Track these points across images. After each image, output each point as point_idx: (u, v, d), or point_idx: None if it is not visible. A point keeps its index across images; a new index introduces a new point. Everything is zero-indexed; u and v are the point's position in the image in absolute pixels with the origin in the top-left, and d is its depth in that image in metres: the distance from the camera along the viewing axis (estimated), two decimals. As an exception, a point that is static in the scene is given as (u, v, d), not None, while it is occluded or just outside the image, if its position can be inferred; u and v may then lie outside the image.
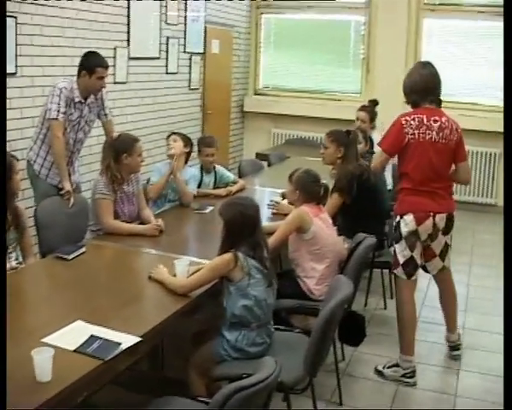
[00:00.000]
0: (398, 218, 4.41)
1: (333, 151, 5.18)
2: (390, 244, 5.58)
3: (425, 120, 4.26)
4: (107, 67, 5.18)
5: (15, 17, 5.52)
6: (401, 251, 4.40)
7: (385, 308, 5.67)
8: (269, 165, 7.91)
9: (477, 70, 9.24)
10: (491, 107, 8.91)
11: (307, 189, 4.25)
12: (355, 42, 10.12)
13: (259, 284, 3.38)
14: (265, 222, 4.01)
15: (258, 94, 10.85)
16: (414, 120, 4.27)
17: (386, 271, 5.70)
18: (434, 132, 4.25)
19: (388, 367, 4.50)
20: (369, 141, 6.21)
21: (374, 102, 7.17)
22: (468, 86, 9.20)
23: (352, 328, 4.22)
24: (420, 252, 4.40)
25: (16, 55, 5.58)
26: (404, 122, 4.27)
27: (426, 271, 4.69)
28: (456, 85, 8.97)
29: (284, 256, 4.67)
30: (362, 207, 4.96)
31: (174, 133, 5.55)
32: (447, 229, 4.43)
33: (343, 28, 10.24)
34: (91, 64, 5.09)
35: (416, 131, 4.24)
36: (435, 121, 4.27)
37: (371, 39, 9.85)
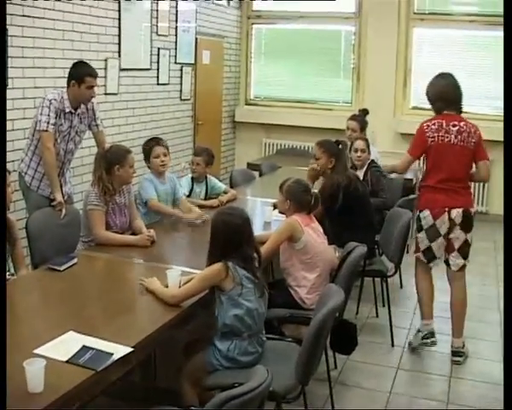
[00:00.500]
0: (418, 212, 4.94)
1: (324, 162, 5.17)
2: (381, 253, 5.62)
3: (444, 125, 4.72)
4: (96, 76, 5.20)
5: (6, 29, 5.53)
6: (422, 240, 4.91)
7: (377, 316, 5.68)
8: (260, 175, 7.94)
9: (468, 79, 9.26)
10: (482, 115, 8.87)
11: (298, 198, 4.25)
12: (345, 52, 10.18)
13: (251, 293, 3.38)
14: (257, 232, 4.01)
15: (250, 104, 10.89)
16: (434, 124, 4.75)
17: (377, 279, 5.74)
18: (453, 136, 4.71)
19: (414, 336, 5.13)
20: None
21: (364, 112, 7.21)
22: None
23: (343, 336, 4.23)
24: (440, 246, 4.85)
25: (7, 67, 5.59)
26: (425, 127, 4.78)
27: (448, 265, 4.94)
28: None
29: (276, 265, 4.69)
30: (352, 217, 4.97)
31: (157, 144, 5.31)
32: (465, 225, 4.81)
33: (333, 38, 10.30)
34: (80, 73, 5.11)
35: (435, 134, 4.73)
36: (454, 126, 4.72)
37: (361, 49, 9.91)
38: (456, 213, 4.75)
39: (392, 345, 5.12)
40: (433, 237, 4.81)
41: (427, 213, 4.80)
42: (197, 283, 3.40)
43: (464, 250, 4.85)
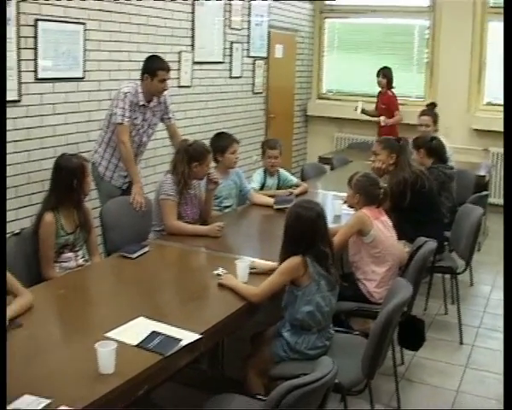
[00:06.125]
0: None
1: (385, 158, 5.11)
2: (452, 249, 5.54)
3: None
4: (168, 69, 5.25)
5: (84, 23, 5.68)
6: None
7: (446, 313, 5.60)
8: (331, 169, 7.92)
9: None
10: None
11: (367, 192, 4.24)
12: (419, 46, 10.03)
13: (324, 290, 3.38)
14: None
15: (322, 98, 10.85)
16: None
17: (447, 276, 5.66)
18: None
19: None
20: None
21: (432, 105, 7.19)
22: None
23: (411, 332, 4.20)
24: None
25: (84, 61, 5.74)
26: None
27: None
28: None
29: (345, 259, 4.68)
30: (419, 213, 4.89)
31: (235, 140, 5.38)
32: None
33: (407, 32, 10.17)
34: (153, 67, 5.18)
35: None
36: None
37: (435, 43, 9.73)
38: None
39: (461, 343, 5.05)
40: None
41: None
42: (278, 277, 3.37)
43: None
